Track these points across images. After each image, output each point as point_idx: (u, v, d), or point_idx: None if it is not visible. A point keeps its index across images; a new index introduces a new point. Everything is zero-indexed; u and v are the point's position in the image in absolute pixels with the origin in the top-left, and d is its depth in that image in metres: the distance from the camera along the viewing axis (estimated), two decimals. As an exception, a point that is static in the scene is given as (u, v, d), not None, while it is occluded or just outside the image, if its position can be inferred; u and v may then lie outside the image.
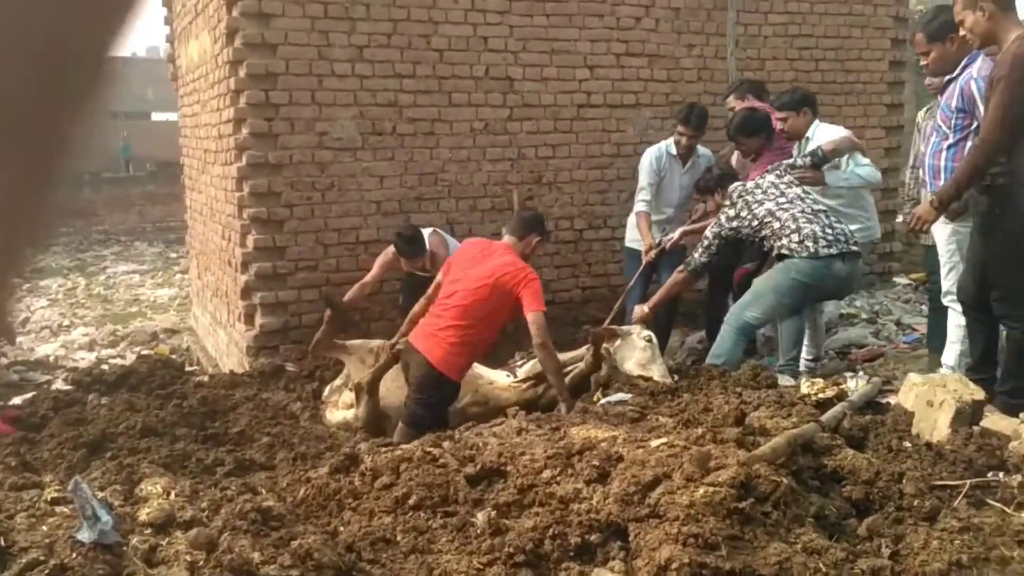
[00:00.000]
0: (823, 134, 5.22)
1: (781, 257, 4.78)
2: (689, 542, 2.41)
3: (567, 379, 4.65)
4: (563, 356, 5.01)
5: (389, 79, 6.28)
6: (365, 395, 4.68)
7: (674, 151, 5.92)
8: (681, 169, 5.99)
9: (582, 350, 5.01)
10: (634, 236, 6.04)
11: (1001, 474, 3.00)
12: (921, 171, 4.57)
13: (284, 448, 4.31)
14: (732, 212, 4.96)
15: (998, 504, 2.82)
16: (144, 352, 7.83)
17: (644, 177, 5.94)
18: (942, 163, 4.34)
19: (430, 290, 4.83)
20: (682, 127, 5.87)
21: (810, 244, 4.66)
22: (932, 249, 5.11)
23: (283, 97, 6.02)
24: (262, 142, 6.01)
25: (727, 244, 5.03)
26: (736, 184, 5.12)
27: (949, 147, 4.30)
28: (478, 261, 4.62)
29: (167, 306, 10.78)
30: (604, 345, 4.77)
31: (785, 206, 4.83)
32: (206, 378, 5.90)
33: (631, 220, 6.11)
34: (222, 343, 7.26)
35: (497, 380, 4.94)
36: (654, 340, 4.86)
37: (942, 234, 4.45)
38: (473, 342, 4.54)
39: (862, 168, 5.13)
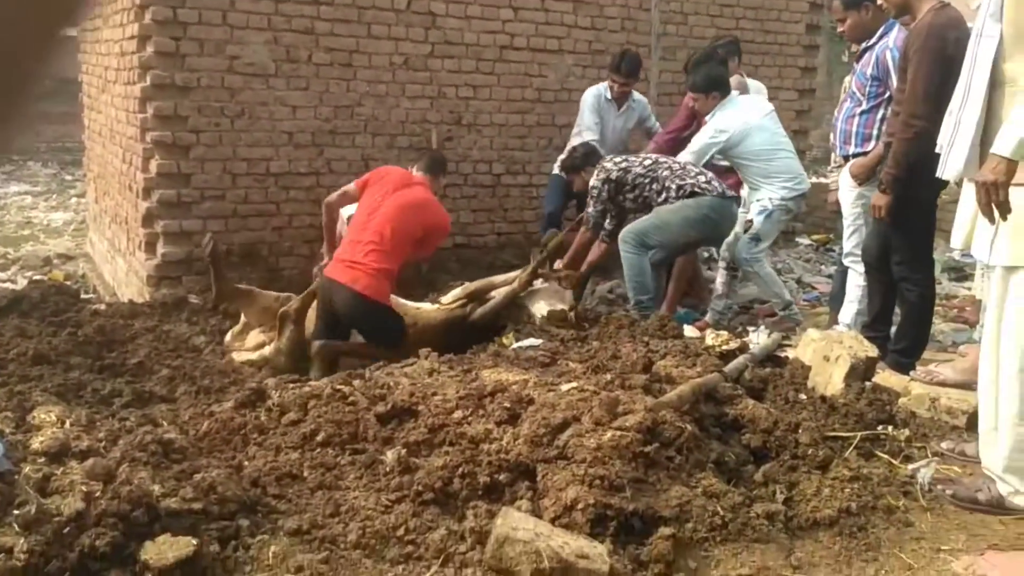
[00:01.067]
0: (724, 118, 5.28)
1: (679, 197, 4.92)
2: (595, 484, 2.46)
3: (498, 300, 4.89)
4: (500, 279, 5.14)
5: (306, 5, 6.03)
6: (290, 324, 4.59)
7: (609, 95, 5.99)
8: (616, 112, 6.11)
9: (513, 273, 5.13)
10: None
11: (890, 428, 3.17)
12: (832, 135, 4.70)
13: (186, 381, 4.18)
14: (618, 159, 5.20)
15: (886, 456, 2.98)
16: (37, 277, 7.45)
17: (587, 117, 6.03)
18: (853, 128, 4.48)
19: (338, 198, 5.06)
20: (614, 75, 5.91)
21: (716, 184, 5.00)
22: (839, 211, 5.29)
23: (192, 15, 5.71)
24: (168, 62, 5.70)
25: (617, 192, 5.10)
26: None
27: (862, 113, 4.44)
28: (399, 188, 4.77)
29: (61, 231, 10.26)
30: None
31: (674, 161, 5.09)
32: (103, 307, 5.65)
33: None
34: (121, 271, 6.96)
35: (423, 306, 5.01)
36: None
37: (848, 197, 4.61)
38: (392, 268, 4.65)
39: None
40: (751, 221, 5.35)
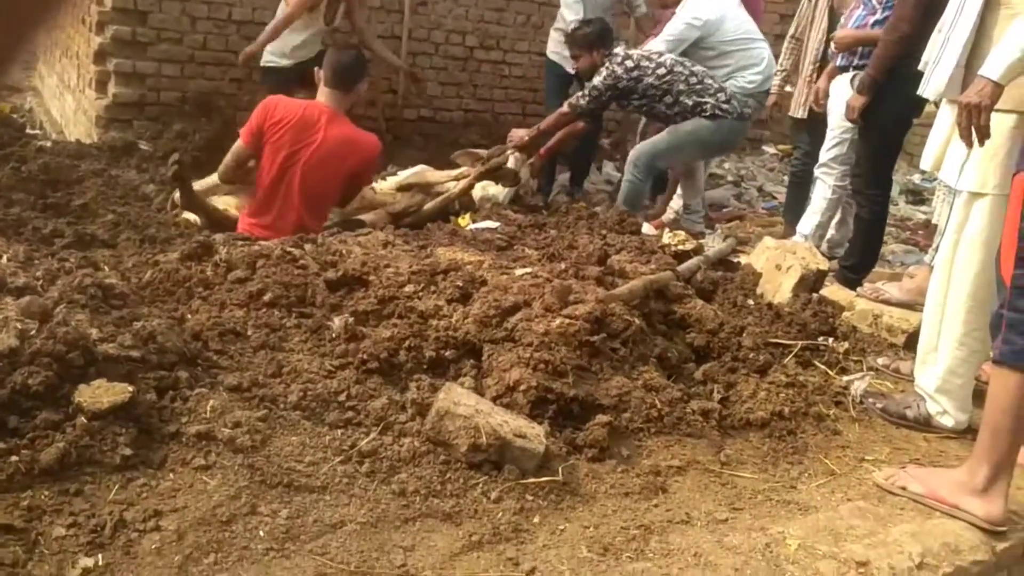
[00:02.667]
0: None
1: (695, 114, 4.81)
2: (539, 367, 2.48)
3: (437, 202, 4.62)
4: (434, 175, 4.95)
5: None
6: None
7: None
8: None
9: (454, 172, 4.95)
10: (555, 49, 5.85)
11: (831, 340, 3.23)
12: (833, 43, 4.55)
13: (130, 229, 4.06)
14: (631, 63, 4.89)
15: (823, 366, 3.05)
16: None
17: None
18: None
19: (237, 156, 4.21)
20: None
21: (736, 104, 4.83)
22: (800, 123, 5.25)
23: None
24: None
25: (622, 97, 4.96)
26: (624, 50, 5.02)
27: (875, 23, 4.26)
28: (302, 139, 4.04)
29: (6, 60, 9.73)
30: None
31: (693, 66, 4.88)
32: (49, 144, 5.42)
33: (553, 33, 5.90)
34: (69, 109, 6.67)
35: (379, 185, 4.84)
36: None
37: (839, 107, 4.49)
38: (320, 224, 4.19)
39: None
40: None
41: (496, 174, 4.78)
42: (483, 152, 5.13)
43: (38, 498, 1.80)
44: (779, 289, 3.61)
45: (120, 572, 1.69)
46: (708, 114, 4.81)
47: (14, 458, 1.84)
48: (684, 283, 3.38)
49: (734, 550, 2.03)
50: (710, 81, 4.91)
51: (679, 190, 5.50)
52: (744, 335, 3.02)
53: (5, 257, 2.37)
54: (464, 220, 4.65)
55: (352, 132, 4.16)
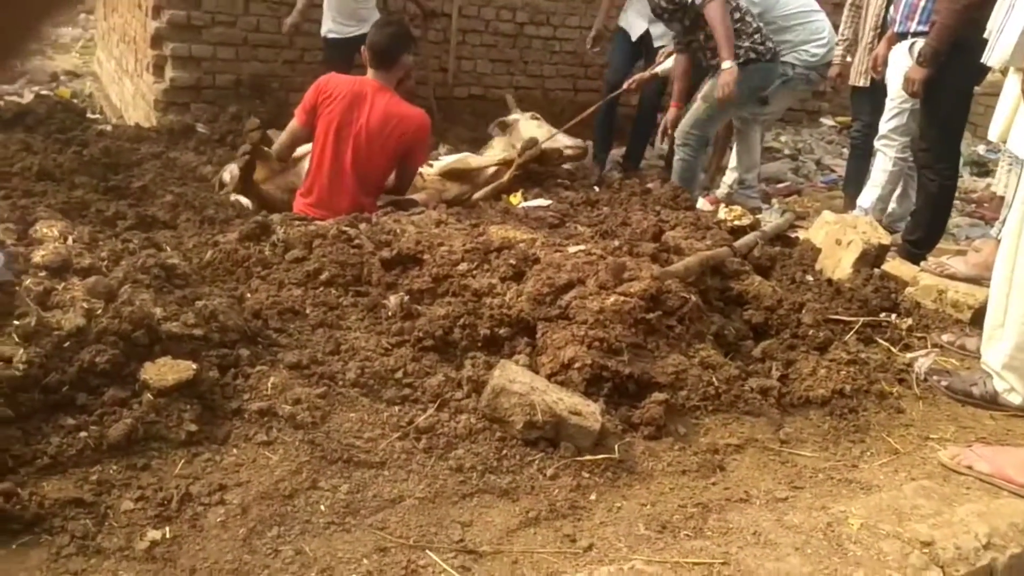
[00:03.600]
0: None
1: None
2: (594, 345, 2.47)
3: (485, 191, 4.64)
4: (476, 161, 4.94)
5: None
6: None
7: None
8: None
9: (496, 157, 4.93)
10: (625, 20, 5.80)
11: (893, 316, 3.16)
12: (893, 8, 4.40)
13: (189, 210, 4.13)
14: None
15: (885, 343, 2.98)
16: (43, 92, 7.28)
17: None
18: (921, 2, 4.17)
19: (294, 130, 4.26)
20: None
21: (770, 46, 4.80)
22: (861, 92, 5.11)
23: None
24: None
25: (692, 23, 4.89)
26: None
27: None
28: (351, 111, 4.06)
29: (69, 47, 9.98)
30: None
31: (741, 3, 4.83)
32: (109, 128, 5.55)
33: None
34: (128, 93, 6.81)
35: (426, 171, 4.82)
36: (540, 118, 4.95)
37: (898, 76, 4.36)
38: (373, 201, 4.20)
39: None
40: None
41: (541, 157, 4.78)
42: (511, 118, 5.14)
43: (107, 472, 1.86)
44: (839, 264, 3.54)
45: (187, 545, 1.74)
46: (740, 60, 4.69)
47: (83, 434, 1.90)
48: (741, 259, 3.32)
49: (794, 529, 2.00)
50: (750, 19, 4.79)
51: (733, 162, 5.41)
52: (803, 312, 2.96)
53: (71, 239, 2.44)
54: (516, 198, 4.64)
55: (400, 106, 4.14)
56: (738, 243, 3.46)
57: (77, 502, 1.77)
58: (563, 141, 4.98)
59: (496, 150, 5.06)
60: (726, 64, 4.50)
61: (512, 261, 2.87)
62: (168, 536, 1.74)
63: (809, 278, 3.43)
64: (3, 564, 1.64)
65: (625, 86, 5.57)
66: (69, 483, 1.81)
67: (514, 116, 5.13)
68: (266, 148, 4.27)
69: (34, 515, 1.71)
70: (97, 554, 1.68)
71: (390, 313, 2.64)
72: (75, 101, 7.19)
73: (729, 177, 5.38)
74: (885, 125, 4.51)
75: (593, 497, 2.08)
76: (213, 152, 5.25)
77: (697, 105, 4.89)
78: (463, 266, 2.88)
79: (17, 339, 1.96)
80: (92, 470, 1.85)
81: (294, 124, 4.20)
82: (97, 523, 1.75)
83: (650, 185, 4.65)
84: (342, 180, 4.05)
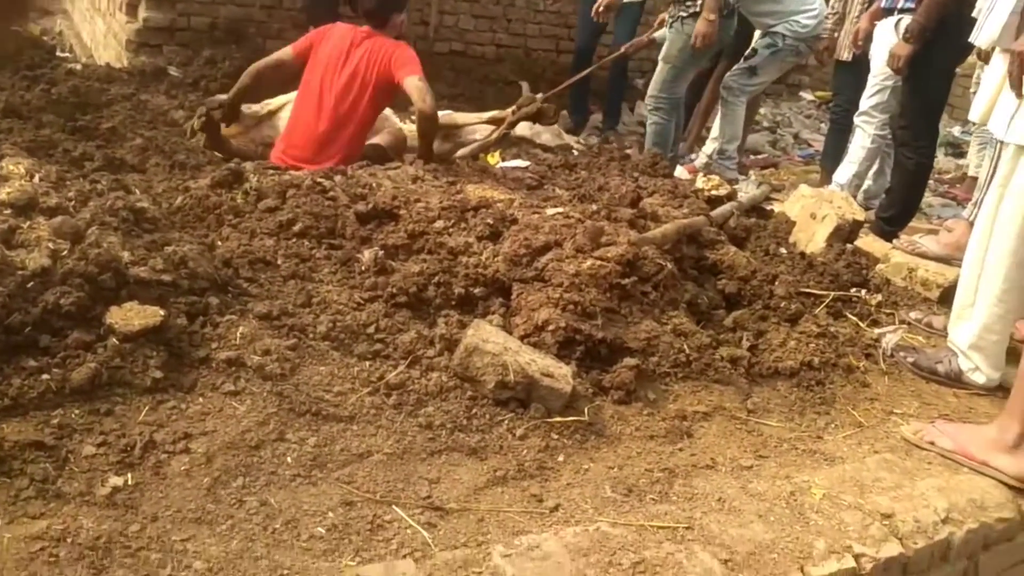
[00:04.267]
0: None
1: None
2: (568, 308, 2.46)
3: (471, 149, 4.52)
4: (463, 118, 4.84)
5: None
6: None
7: None
8: None
9: (485, 115, 4.85)
10: None
11: (863, 292, 3.18)
12: None
13: (159, 154, 4.04)
14: None
15: (855, 318, 3.01)
16: (13, 28, 7.04)
17: None
18: None
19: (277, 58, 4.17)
20: None
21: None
22: (844, 67, 5.10)
23: None
24: None
25: None
26: None
27: None
28: (347, 51, 4.00)
29: (37, -19, 9.65)
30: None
31: None
32: (79, 67, 5.39)
33: None
34: (99, 33, 6.62)
35: (407, 126, 4.71)
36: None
37: (882, 52, 4.34)
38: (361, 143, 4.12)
39: None
40: (755, 50, 5.13)
41: (536, 114, 4.69)
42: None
43: (69, 416, 1.82)
44: (813, 238, 3.55)
45: (149, 492, 1.71)
46: (688, 14, 4.66)
47: (45, 376, 1.85)
48: (717, 229, 3.32)
49: (758, 497, 2.02)
50: None
51: (714, 132, 5.40)
52: (776, 283, 2.98)
53: (37, 177, 2.36)
54: (493, 158, 4.59)
55: (381, 41, 4.01)
56: (715, 212, 3.46)
57: (37, 445, 1.74)
58: (544, 137, 4.91)
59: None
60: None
61: (489, 221, 2.84)
62: (130, 482, 1.72)
63: (783, 250, 3.44)
64: (-40, 505, 1.61)
65: (623, 50, 5.53)
66: (29, 426, 1.78)
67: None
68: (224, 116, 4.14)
69: (-7, 457, 1.68)
70: (57, 498, 1.66)
71: (364, 268, 2.61)
72: (44, 39, 6.97)
73: (709, 147, 5.37)
74: (866, 101, 4.51)
75: (561, 459, 2.08)
76: (185, 96, 5.13)
77: (660, 68, 4.86)
78: (439, 223, 2.84)
79: (-22, 277, 1.91)
80: (54, 413, 1.81)
81: (286, 50, 4.13)
82: (57, 467, 1.72)
83: (629, 151, 4.63)
84: (326, 127, 3.96)
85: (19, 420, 1.79)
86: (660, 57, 4.87)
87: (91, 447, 1.76)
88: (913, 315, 3.18)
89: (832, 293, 3.09)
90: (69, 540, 1.56)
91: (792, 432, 2.38)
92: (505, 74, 6.27)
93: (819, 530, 1.93)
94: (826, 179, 4.93)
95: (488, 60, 6.65)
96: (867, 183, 4.85)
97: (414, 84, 3.85)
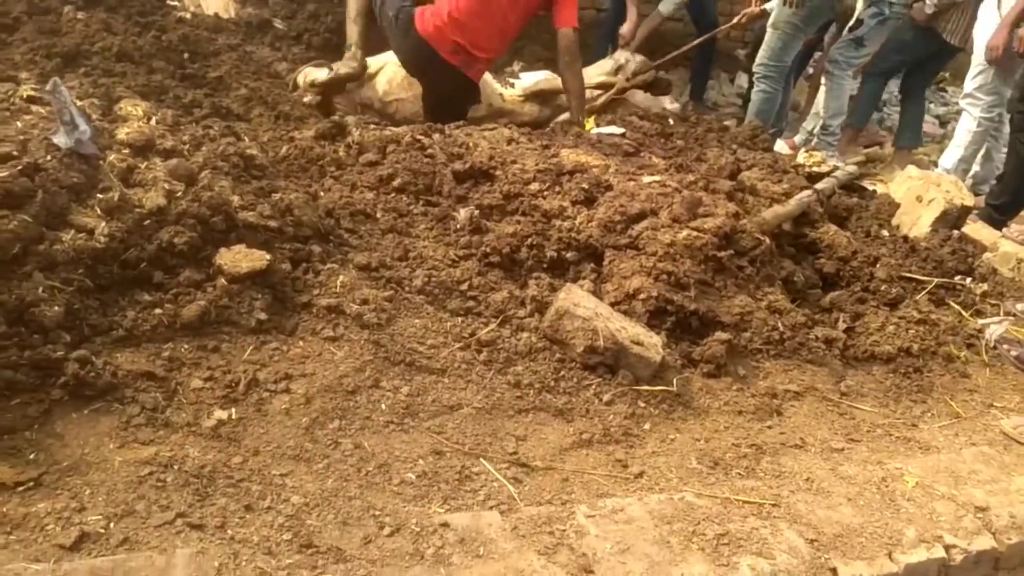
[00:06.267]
0: None
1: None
2: (661, 278, 2.44)
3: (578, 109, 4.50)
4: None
5: None
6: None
7: None
8: None
9: (594, 79, 4.82)
10: None
11: (968, 280, 3.06)
12: None
13: (262, 105, 4.13)
14: None
15: (957, 306, 2.90)
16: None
17: None
18: None
19: None
20: None
21: None
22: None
23: None
24: None
25: None
26: None
27: None
28: None
29: (149, -70, 9.91)
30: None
31: None
32: (188, 15, 5.53)
33: None
34: (207, -17, 6.76)
35: (508, 92, 4.72)
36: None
37: (985, 33, 4.17)
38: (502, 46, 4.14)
39: None
40: (860, 21, 4.93)
41: (650, 84, 4.66)
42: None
43: (178, 350, 1.90)
44: (917, 222, 3.42)
45: (251, 427, 1.79)
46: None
47: (158, 311, 1.94)
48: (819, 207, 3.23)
49: (848, 480, 1.99)
50: None
51: (816, 107, 5.23)
52: (877, 266, 2.89)
53: (154, 119, 2.45)
54: (588, 123, 4.55)
55: None
56: (820, 185, 3.35)
57: (148, 375, 1.82)
58: (639, 97, 4.85)
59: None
60: None
61: (584, 185, 2.83)
62: (234, 417, 1.79)
63: (885, 232, 3.33)
64: (76, 427, 1.70)
65: (735, 21, 5.41)
66: (142, 357, 1.87)
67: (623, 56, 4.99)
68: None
69: (107, 384, 1.77)
70: (165, 427, 1.74)
71: (459, 226, 2.64)
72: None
73: (810, 123, 5.21)
74: (970, 83, 4.31)
75: (647, 427, 2.08)
76: (288, 49, 5.21)
77: (768, 35, 4.73)
78: (534, 186, 2.84)
79: (99, 212, 2.00)
80: (164, 346, 1.90)
81: None
82: (167, 397, 1.80)
83: (728, 123, 4.53)
84: (505, 30, 3.94)
85: (132, 351, 1.88)
86: (768, 24, 4.74)
87: (199, 381, 1.84)
88: (1020, 307, 3.04)
89: (935, 279, 2.98)
90: (176, 467, 1.64)
91: (886, 418, 2.32)
92: (603, 38, 6.17)
93: (910, 518, 1.89)
94: (906, 158, 4.74)
95: (584, 24, 6.56)
96: (974, 168, 4.64)
97: (571, 37, 3.90)
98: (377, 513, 1.64)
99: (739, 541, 1.71)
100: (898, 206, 3.55)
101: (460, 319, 2.25)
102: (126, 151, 2.22)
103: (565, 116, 4.36)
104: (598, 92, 4.77)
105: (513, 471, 1.85)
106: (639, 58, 5.00)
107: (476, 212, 2.66)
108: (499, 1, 3.93)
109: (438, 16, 3.89)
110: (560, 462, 1.91)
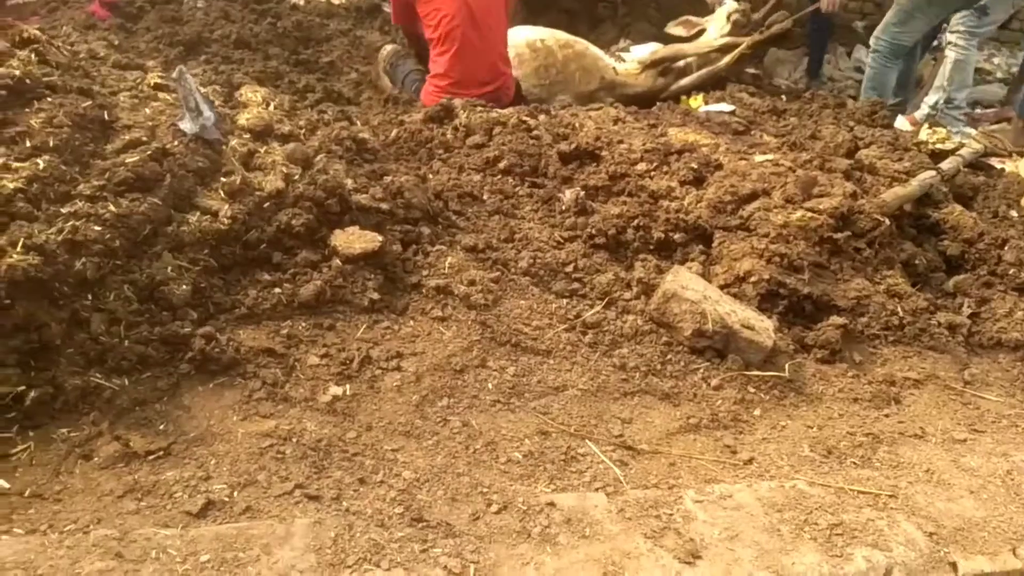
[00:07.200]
0: None
1: None
2: (774, 260, 2.38)
3: (696, 77, 4.46)
4: (693, 48, 4.74)
5: None
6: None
7: None
8: None
9: (717, 42, 4.71)
10: None
11: (1108, 263, 2.86)
12: None
13: (371, 89, 4.24)
14: None
15: (1096, 291, 2.71)
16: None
17: None
18: None
19: None
20: None
21: None
22: None
23: None
24: None
25: None
26: None
27: None
28: None
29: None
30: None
31: None
32: (302, 2, 5.70)
33: None
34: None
35: (621, 66, 4.69)
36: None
37: None
38: None
39: None
40: None
41: (782, 35, 4.52)
42: (700, 20, 4.89)
43: (296, 328, 1.98)
44: (1051, 202, 3.22)
45: (365, 403, 1.84)
46: None
47: (277, 290, 2.02)
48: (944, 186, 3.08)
49: (971, 472, 1.90)
50: None
51: (938, 80, 4.96)
52: (1005, 248, 2.73)
53: (272, 105, 2.55)
54: (696, 101, 4.46)
55: None
56: (944, 166, 3.19)
57: (269, 352, 1.90)
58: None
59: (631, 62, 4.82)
60: None
61: (693, 165, 2.78)
62: (348, 393, 1.85)
63: (1014, 213, 3.14)
64: (202, 400, 1.80)
65: None
66: (262, 334, 1.95)
67: (714, 15, 4.87)
68: None
69: (231, 359, 1.86)
70: (284, 401, 1.82)
71: (564, 207, 2.64)
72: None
73: (932, 97, 4.94)
74: None
75: (757, 412, 2.04)
76: (397, 32, 5.30)
77: (890, 10, 4.50)
78: (641, 166, 2.81)
79: (223, 195, 2.09)
80: (283, 324, 1.97)
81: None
82: (286, 373, 1.88)
83: (846, 98, 4.35)
84: (485, 47, 3.87)
85: (253, 328, 1.97)
86: None
87: (315, 357, 1.91)
88: None
89: (1070, 263, 2.80)
90: (295, 440, 1.71)
91: (1012, 408, 2.20)
92: (708, 10, 6.02)
93: (1038, 514, 1.79)
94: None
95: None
96: None
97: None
98: (485, 490, 1.66)
99: (853, 532, 1.66)
100: (1030, 185, 3.35)
101: (565, 301, 2.26)
102: (247, 136, 2.31)
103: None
104: (716, 55, 4.67)
105: (619, 454, 1.85)
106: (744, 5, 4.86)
107: (582, 193, 2.66)
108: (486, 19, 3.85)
109: (435, 93, 3.81)
110: (667, 446, 1.89)
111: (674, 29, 4.92)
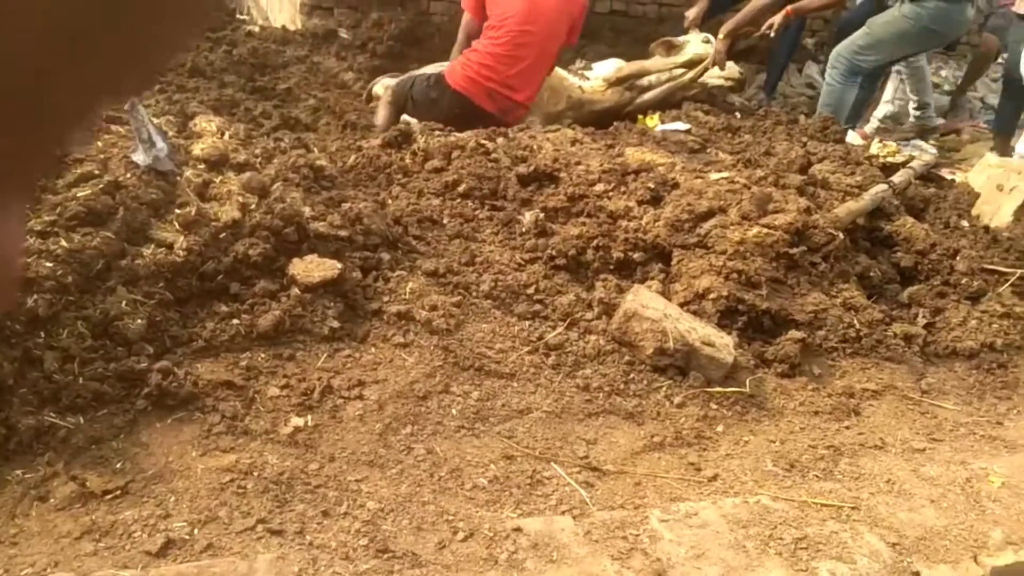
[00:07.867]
0: None
1: None
2: (732, 276, 2.41)
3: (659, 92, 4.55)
4: (656, 64, 4.80)
5: None
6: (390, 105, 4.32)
7: None
8: None
9: (681, 59, 4.79)
10: None
11: (1056, 270, 2.94)
12: None
13: (330, 114, 4.24)
14: None
15: (1045, 298, 2.78)
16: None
17: None
18: None
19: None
20: None
21: None
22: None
23: None
24: None
25: None
26: None
27: None
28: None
29: (218, -53, 10.19)
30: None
31: None
32: (257, 29, 5.68)
33: None
34: (274, -4, 6.93)
35: (586, 84, 4.73)
36: (712, 39, 4.76)
37: None
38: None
39: None
40: None
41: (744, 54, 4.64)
42: (679, 40, 4.96)
43: (255, 359, 1.96)
44: (999, 212, 3.30)
45: (327, 433, 1.82)
46: None
47: (235, 321, 2.00)
48: (895, 198, 3.14)
49: (931, 481, 1.93)
50: None
51: (887, 95, 5.08)
52: (957, 258, 2.80)
53: (227, 134, 2.53)
54: (652, 120, 4.52)
55: None
56: (895, 178, 3.26)
57: (228, 384, 1.88)
58: (716, 71, 4.80)
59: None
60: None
61: (650, 184, 2.81)
62: (310, 424, 1.83)
63: (965, 223, 3.22)
64: (160, 436, 1.76)
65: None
66: (221, 366, 1.92)
67: (684, 38, 4.94)
68: None
69: (189, 394, 1.83)
70: (244, 434, 1.79)
71: (524, 229, 2.65)
72: (224, 1, 7.35)
73: (881, 111, 5.06)
74: None
75: (720, 429, 2.06)
76: (354, 58, 5.31)
77: (859, 31, 4.59)
78: (599, 187, 2.84)
79: (178, 227, 2.07)
80: (242, 356, 1.95)
81: (468, 18, 4.23)
82: (245, 405, 1.85)
83: (798, 115, 4.43)
84: (543, 64, 4.09)
85: (212, 361, 1.93)
86: (869, 19, 4.59)
87: (275, 389, 1.89)
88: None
89: (1019, 271, 2.87)
90: (256, 474, 1.69)
91: (969, 416, 2.24)
92: (666, 32, 6.11)
93: (996, 519, 1.82)
94: (1002, 146, 4.55)
95: (649, 20, 6.51)
96: None
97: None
98: (451, 518, 1.65)
99: (818, 545, 1.68)
100: (978, 196, 3.43)
101: (527, 323, 2.26)
102: (201, 166, 2.29)
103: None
104: (680, 71, 4.74)
105: (584, 475, 1.85)
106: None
107: (541, 215, 2.67)
108: (541, 31, 4.00)
109: (468, 68, 3.96)
110: (632, 466, 1.90)
111: (656, 49, 4.98)
